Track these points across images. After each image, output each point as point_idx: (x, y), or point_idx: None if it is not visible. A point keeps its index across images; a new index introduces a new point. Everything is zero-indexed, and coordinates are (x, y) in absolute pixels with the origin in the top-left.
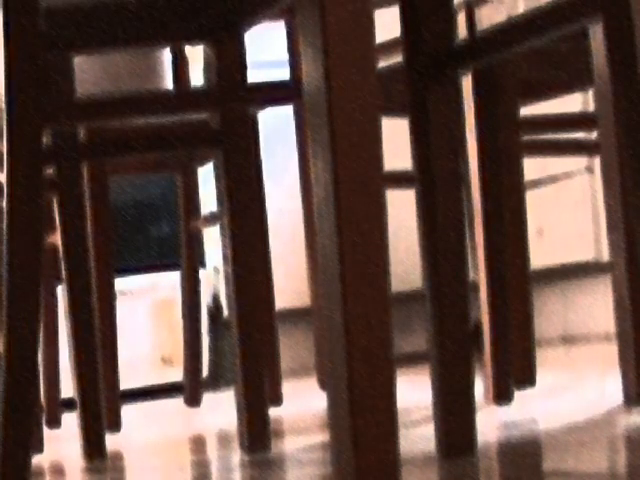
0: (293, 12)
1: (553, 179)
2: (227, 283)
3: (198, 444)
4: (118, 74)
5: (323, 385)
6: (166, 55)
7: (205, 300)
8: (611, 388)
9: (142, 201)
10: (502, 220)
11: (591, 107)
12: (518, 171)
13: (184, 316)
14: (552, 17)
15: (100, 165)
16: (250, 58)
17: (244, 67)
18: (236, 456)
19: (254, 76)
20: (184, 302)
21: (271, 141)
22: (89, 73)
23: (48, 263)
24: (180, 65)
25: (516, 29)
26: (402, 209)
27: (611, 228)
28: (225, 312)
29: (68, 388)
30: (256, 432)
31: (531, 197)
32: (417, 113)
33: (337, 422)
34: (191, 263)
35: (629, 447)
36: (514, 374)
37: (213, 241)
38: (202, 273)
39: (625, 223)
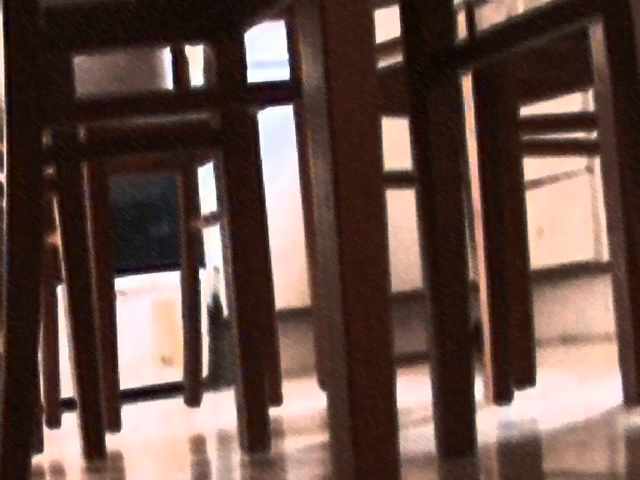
0: (293, 12)
1: (553, 179)
2: (227, 283)
3: (198, 444)
4: (118, 74)
5: (323, 385)
6: (166, 55)
7: (205, 300)
8: (611, 388)
9: (142, 201)
10: (502, 220)
11: (591, 107)
12: (518, 171)
13: (184, 316)
14: (552, 17)
15: (100, 165)
16: (250, 58)
17: (244, 67)
18: (236, 456)
19: (254, 76)
20: (184, 302)
21: (271, 141)
22: (89, 73)
23: (48, 263)
24: (180, 65)
25: (516, 29)
26: (402, 209)
27: (611, 228)
28: (225, 312)
29: (68, 388)
30: (256, 432)
31: (531, 197)
32: (417, 113)
33: (337, 422)
34: (191, 263)
35: (629, 447)
36: (514, 374)
37: (213, 241)
38: (202, 273)
39: (625, 223)
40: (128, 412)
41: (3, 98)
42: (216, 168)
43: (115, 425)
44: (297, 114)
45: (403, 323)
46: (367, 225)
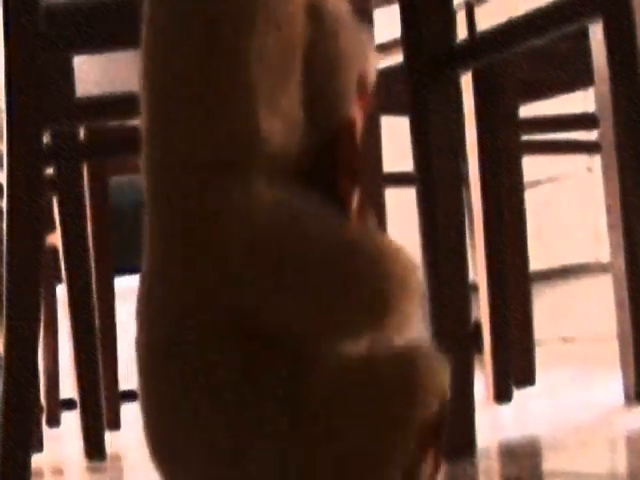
0: None
1: (553, 179)
2: None
3: None
4: (118, 74)
5: None
6: None
7: None
8: (611, 388)
9: (142, 201)
10: (502, 220)
11: (591, 107)
12: (518, 171)
13: None
14: (552, 17)
15: (100, 165)
16: None
17: None
18: None
19: None
20: None
21: None
22: (89, 73)
23: (48, 263)
24: None
25: (516, 29)
26: (402, 209)
27: (611, 228)
28: None
29: (68, 388)
30: None
31: (531, 197)
32: (417, 113)
33: None
34: None
35: (629, 447)
36: (514, 374)
37: None
38: None
39: (625, 223)
40: (128, 412)
41: (3, 98)
42: None
43: (115, 425)
44: None
45: None
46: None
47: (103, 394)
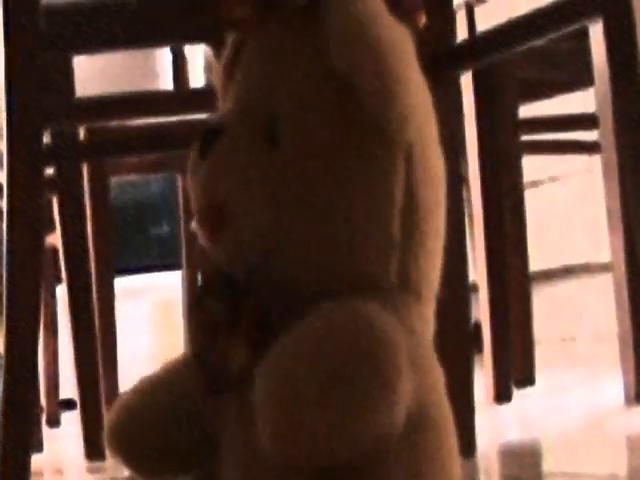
0: None
1: (553, 179)
2: None
3: None
4: (118, 74)
5: None
6: (166, 55)
7: None
8: (611, 388)
9: (142, 201)
10: (502, 220)
11: (591, 107)
12: (518, 171)
13: (184, 316)
14: (552, 17)
15: (100, 165)
16: None
17: None
18: None
19: None
20: (184, 302)
21: None
22: (89, 73)
23: (48, 263)
24: (180, 65)
25: (516, 29)
26: None
27: (611, 228)
28: None
29: (68, 388)
30: None
31: (531, 197)
32: None
33: None
34: (191, 263)
35: (629, 447)
36: (514, 374)
37: None
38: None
39: (625, 223)
40: None
41: (3, 98)
42: None
43: None
44: None
45: None
46: None
47: (103, 394)
